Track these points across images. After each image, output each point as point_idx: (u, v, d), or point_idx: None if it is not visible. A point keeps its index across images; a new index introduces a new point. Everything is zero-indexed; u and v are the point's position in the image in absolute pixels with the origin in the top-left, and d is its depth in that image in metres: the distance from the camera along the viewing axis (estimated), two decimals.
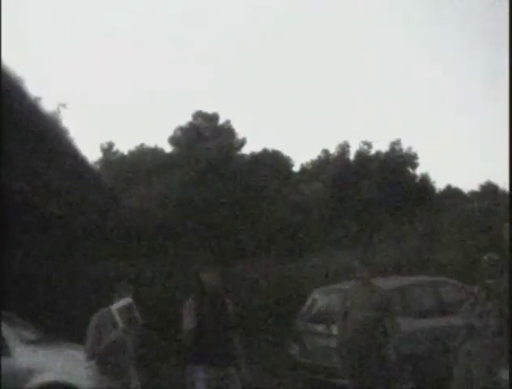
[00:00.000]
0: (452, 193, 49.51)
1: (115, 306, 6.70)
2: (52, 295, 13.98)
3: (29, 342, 10.02)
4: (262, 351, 14.26)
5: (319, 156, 48.66)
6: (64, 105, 20.80)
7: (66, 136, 18.01)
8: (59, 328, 12.06)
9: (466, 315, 8.45)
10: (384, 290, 9.93)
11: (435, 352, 11.20)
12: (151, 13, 75.96)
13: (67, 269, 15.03)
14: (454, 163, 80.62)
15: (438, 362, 11.04)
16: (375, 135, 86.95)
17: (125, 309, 6.71)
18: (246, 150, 44.31)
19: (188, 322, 7.12)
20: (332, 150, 46.87)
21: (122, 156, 44.84)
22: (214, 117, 44.38)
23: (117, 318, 6.66)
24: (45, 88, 57.24)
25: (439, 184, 54.51)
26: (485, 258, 8.58)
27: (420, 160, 44.81)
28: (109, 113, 73.14)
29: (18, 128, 13.71)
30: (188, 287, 9.60)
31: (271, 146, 47.39)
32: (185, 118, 47.39)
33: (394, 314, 9.58)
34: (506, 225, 8.65)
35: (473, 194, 48.55)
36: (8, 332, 9.69)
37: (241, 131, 44.69)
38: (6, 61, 13.42)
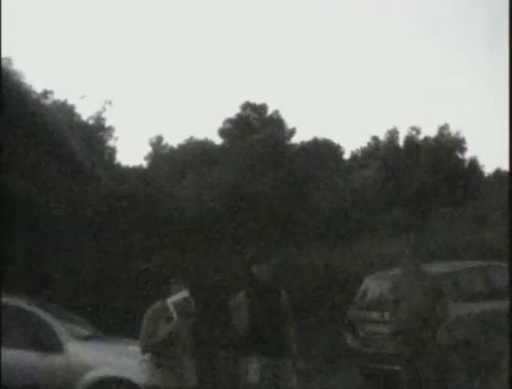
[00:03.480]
0: (501, 176, 48.94)
1: (171, 300, 6.78)
2: (105, 290, 14.14)
3: (82, 338, 10.06)
4: (318, 339, 14.32)
5: (369, 143, 48.48)
6: (110, 102, 20.66)
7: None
8: (113, 323, 12.22)
9: None
10: (434, 275, 9.96)
11: (486, 337, 11.18)
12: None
13: (120, 263, 15.18)
14: (504, 146, 79.44)
15: (490, 347, 11.00)
16: (423, 120, 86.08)
17: (181, 303, 6.77)
18: (296, 139, 44.31)
19: (239, 319, 7.19)
20: (382, 137, 46.67)
21: (172, 150, 45.07)
22: (262, 108, 44.43)
23: (173, 311, 6.74)
24: (91, 87, 57.87)
25: (488, 168, 53.92)
26: None
27: (469, 145, 44.44)
28: (157, 107, 73.67)
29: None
30: (241, 279, 9.70)
31: (321, 135, 47.36)
32: (233, 110, 47.59)
33: (444, 300, 9.61)
34: None
35: None
36: (60, 328, 9.73)
37: (290, 121, 44.70)
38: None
